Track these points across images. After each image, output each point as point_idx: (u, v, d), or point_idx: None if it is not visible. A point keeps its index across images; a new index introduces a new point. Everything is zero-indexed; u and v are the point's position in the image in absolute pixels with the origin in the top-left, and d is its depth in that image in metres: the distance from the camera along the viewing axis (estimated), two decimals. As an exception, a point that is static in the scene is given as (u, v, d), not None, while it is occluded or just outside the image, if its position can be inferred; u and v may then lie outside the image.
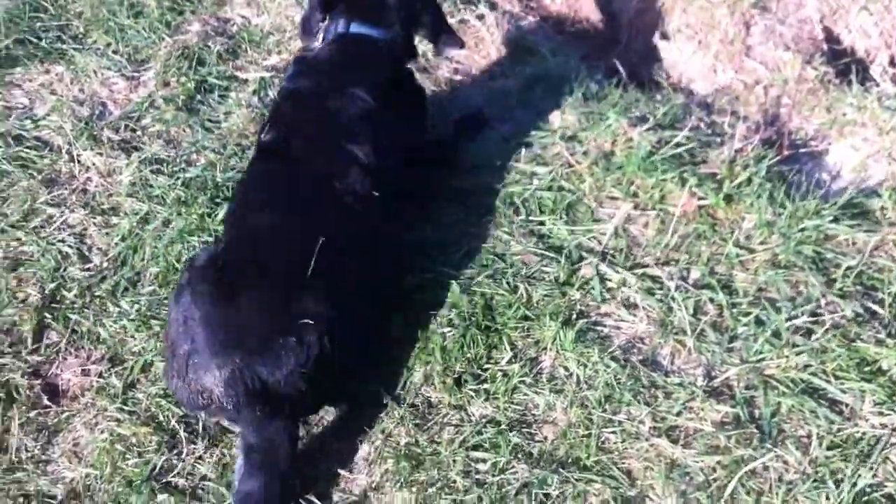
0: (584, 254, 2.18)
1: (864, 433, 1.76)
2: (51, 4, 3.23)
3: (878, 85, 2.70)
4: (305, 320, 1.69)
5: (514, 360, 1.97)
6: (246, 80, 2.88)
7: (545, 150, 2.49)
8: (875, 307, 1.99)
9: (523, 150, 2.49)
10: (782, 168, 2.38)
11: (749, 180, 2.28)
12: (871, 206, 2.25)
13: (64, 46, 3.02)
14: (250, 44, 3.02)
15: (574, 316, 2.03)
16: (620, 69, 2.80)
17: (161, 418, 1.95)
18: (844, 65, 2.84)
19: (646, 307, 2.05)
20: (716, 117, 2.64)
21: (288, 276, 1.76)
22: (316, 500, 1.78)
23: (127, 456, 1.88)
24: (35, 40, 3.05)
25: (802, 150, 2.52)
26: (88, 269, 2.27)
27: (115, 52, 3.00)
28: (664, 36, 3.07)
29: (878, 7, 3.03)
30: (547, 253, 2.18)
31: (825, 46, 2.95)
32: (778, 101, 2.72)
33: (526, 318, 2.03)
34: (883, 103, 2.59)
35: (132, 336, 2.11)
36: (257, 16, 3.19)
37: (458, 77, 2.91)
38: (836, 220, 2.17)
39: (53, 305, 2.19)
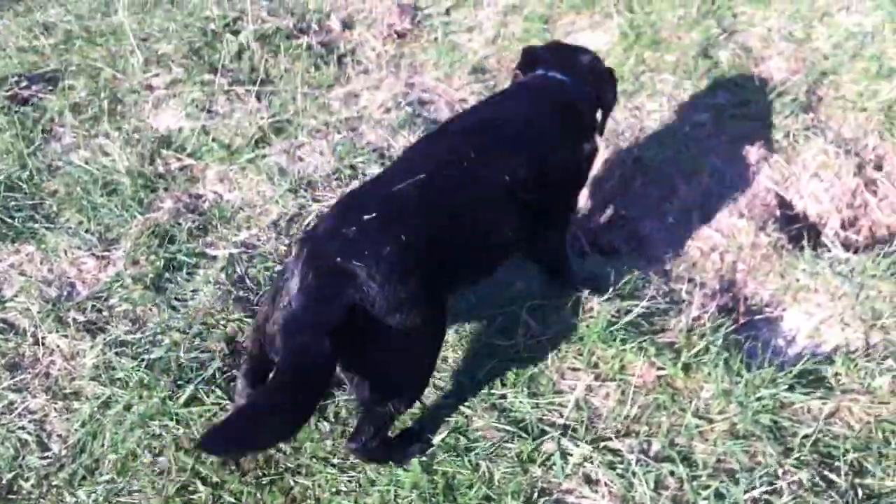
0: (546, 428, 2.28)
1: None
2: (25, 183, 3.42)
3: (829, 250, 2.91)
4: None
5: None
6: (215, 257, 3.03)
7: (509, 322, 2.63)
8: (832, 475, 2.09)
9: (486, 322, 2.64)
10: (739, 336, 2.54)
11: (706, 349, 2.43)
12: (825, 373, 2.39)
13: (36, 226, 3.19)
14: (221, 220, 3.20)
15: (536, 494, 2.11)
16: (581, 239, 3.02)
17: None
18: (797, 230, 3.07)
19: (607, 482, 2.13)
20: (674, 284, 2.82)
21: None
22: None
23: None
24: (8, 220, 3.22)
25: (758, 317, 2.69)
26: (47, 457, 2.34)
27: (86, 230, 3.16)
28: (624, 205, 3.31)
29: (829, 174, 3.31)
30: (509, 427, 2.28)
31: (778, 213, 3.19)
32: (734, 267, 2.92)
33: (488, 498, 2.11)
34: (834, 269, 2.79)
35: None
36: (229, 191, 3.39)
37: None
38: (791, 388, 2.31)
39: (10, 496, 2.25)
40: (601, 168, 3.38)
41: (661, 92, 3.63)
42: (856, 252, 2.91)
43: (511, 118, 2.38)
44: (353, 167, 3.34)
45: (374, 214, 1.98)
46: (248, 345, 2.32)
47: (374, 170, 3.25)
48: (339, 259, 1.89)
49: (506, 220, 2.25)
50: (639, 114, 3.56)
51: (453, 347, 2.55)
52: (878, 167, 3.42)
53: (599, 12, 4.08)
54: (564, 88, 2.50)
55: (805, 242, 2.92)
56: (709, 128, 3.47)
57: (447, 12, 4.35)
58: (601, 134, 2.65)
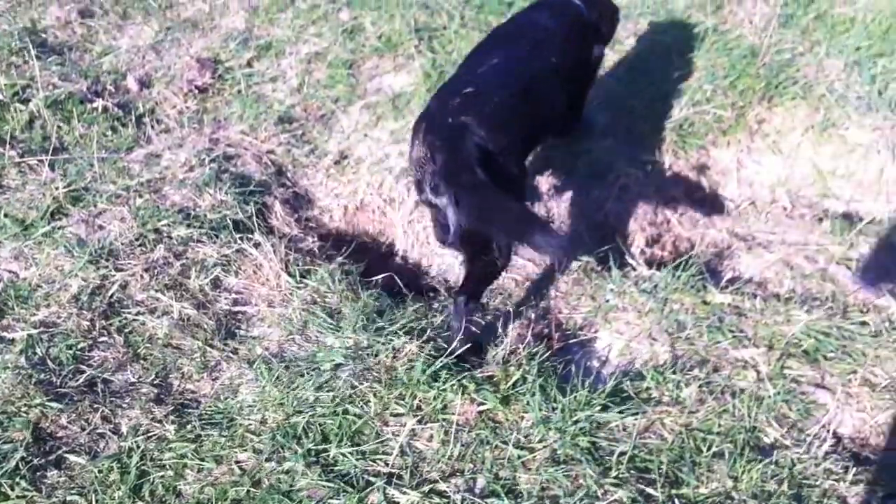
0: (372, 478, 2.29)
1: None
2: None
3: (634, 269, 3.10)
4: None
5: None
6: (13, 340, 2.88)
7: (328, 374, 2.64)
8: (649, 490, 2.22)
9: (306, 376, 2.64)
10: (554, 362, 2.65)
11: (523, 378, 2.53)
12: (637, 389, 2.55)
13: None
14: (17, 300, 3.04)
15: (363, 549, 2.12)
16: (398, 281, 3.08)
17: None
18: (605, 252, 3.25)
19: (435, 527, 2.17)
20: (490, 317, 2.92)
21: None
22: None
23: None
24: None
25: (572, 341, 2.82)
26: None
27: None
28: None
29: (632, 194, 3.53)
30: (332, 484, 2.28)
31: (588, 236, 3.38)
32: (547, 295, 3.06)
33: (314, 559, 2.10)
34: (640, 286, 2.98)
35: None
36: (25, 269, 3.23)
37: (238, 308, 3.05)
38: (605, 408, 2.44)
39: None
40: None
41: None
42: (660, 267, 3.11)
43: (543, 25, 3.07)
44: (157, 230, 3.27)
45: (470, 89, 2.63)
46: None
47: (181, 232, 3.20)
48: (450, 120, 2.50)
49: (553, 94, 2.95)
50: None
51: (273, 407, 2.53)
52: (675, 184, 3.69)
53: (402, 54, 4.21)
54: (578, 10, 3.20)
55: (612, 263, 3.10)
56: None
57: (249, 64, 4.36)
58: (606, 44, 3.49)
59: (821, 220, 3.50)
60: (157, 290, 2.99)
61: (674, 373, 2.61)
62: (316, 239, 3.45)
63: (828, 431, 2.43)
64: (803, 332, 2.75)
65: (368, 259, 3.44)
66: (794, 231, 3.44)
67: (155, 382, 2.69)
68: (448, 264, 3.34)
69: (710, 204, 3.73)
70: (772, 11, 4.35)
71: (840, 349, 2.71)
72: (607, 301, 2.96)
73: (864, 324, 2.83)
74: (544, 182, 3.60)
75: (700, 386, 2.57)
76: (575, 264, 3.15)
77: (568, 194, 3.54)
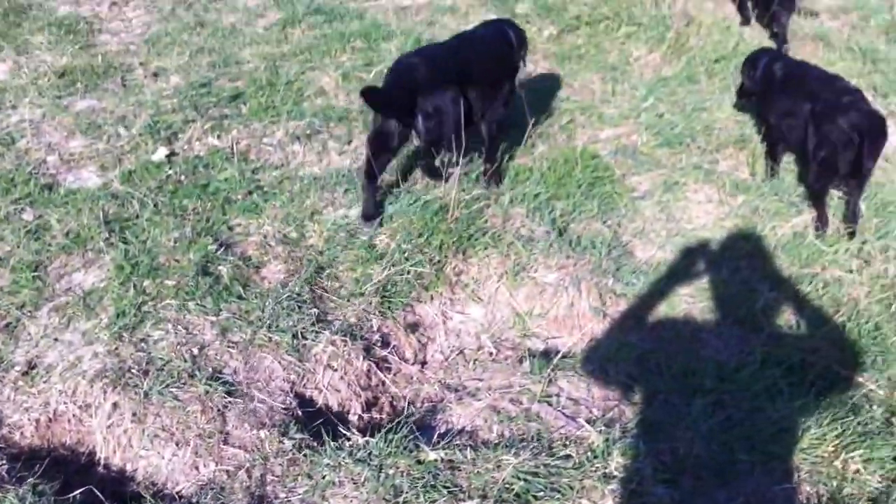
0: None
1: None
2: None
3: (349, 439, 3.17)
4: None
5: None
6: None
7: None
8: None
9: None
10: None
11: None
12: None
13: None
14: None
15: None
16: (99, 495, 2.93)
17: None
18: (320, 425, 3.30)
19: None
20: (204, 518, 2.84)
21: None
22: None
23: None
24: None
25: (289, 529, 2.81)
26: None
27: None
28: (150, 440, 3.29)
29: (341, 362, 3.64)
30: None
31: (300, 412, 3.42)
32: (263, 481, 3.03)
33: None
34: (355, 456, 3.04)
35: None
36: None
37: None
38: None
39: None
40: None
41: (166, 318, 3.74)
42: (378, 431, 3.20)
43: (484, 36, 4.88)
44: None
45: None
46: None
47: None
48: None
49: (487, 81, 4.59)
50: (145, 346, 3.61)
51: None
52: (386, 345, 3.86)
53: (92, 249, 4.14)
54: (506, 32, 4.90)
55: (326, 437, 3.15)
56: (218, 344, 3.64)
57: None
58: (524, 64, 5.14)
59: (521, 360, 3.79)
60: None
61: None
62: (5, 461, 3.22)
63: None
64: (513, 476, 2.92)
65: (65, 474, 3.24)
66: (499, 375, 3.69)
67: None
68: (155, 465, 3.23)
69: (422, 360, 3.93)
70: (457, 169, 4.79)
71: (548, 487, 2.91)
72: (324, 477, 2.99)
73: (567, 457, 3.06)
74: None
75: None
76: (289, 444, 3.16)
77: (278, 378, 3.58)
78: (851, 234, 4.62)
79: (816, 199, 4.78)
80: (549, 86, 6.23)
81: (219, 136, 5.24)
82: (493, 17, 6.77)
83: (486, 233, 4.41)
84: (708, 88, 6.33)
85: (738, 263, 4.44)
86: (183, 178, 4.80)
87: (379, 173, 4.40)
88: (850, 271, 4.37)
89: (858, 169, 4.47)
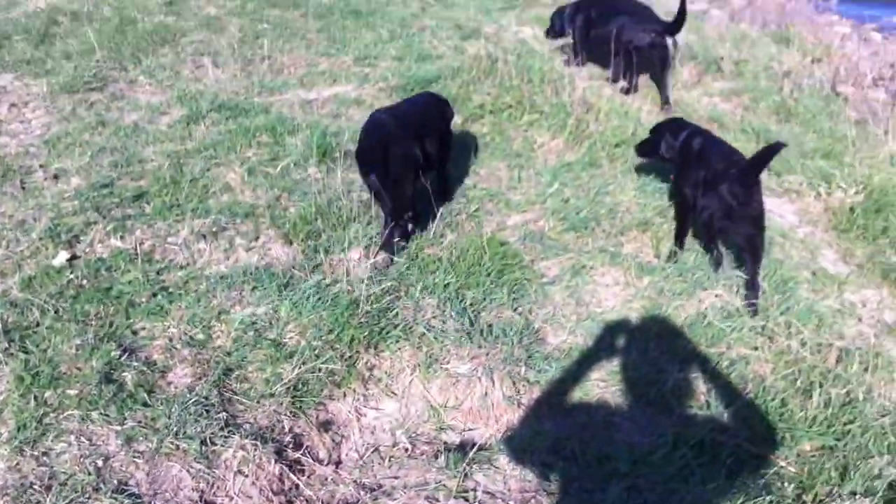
0: None
1: None
2: None
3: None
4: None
5: None
6: None
7: None
8: None
9: None
10: None
11: None
12: None
13: None
14: None
15: None
16: None
17: None
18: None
19: None
20: None
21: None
22: None
23: None
24: None
25: None
26: None
27: None
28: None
29: (252, 467, 3.58)
30: None
31: (210, 523, 3.34)
32: None
33: None
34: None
35: None
36: None
37: None
38: None
39: None
40: None
41: (69, 430, 3.63)
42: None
43: (424, 101, 5.83)
44: None
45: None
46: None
47: None
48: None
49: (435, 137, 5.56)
50: (47, 460, 3.49)
51: None
52: (298, 446, 3.81)
53: (-9, 360, 4.02)
54: (441, 101, 5.97)
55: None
56: (123, 455, 3.55)
57: None
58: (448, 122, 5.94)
59: (437, 455, 3.79)
60: None
61: None
62: None
63: None
64: (431, 577, 2.90)
65: None
66: (414, 472, 3.68)
67: None
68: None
69: (336, 459, 3.89)
70: (366, 262, 4.84)
71: (466, 586, 2.89)
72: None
73: (484, 555, 3.06)
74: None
75: None
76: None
77: (187, 487, 3.49)
78: (754, 312, 4.81)
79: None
80: (456, 174, 6.37)
81: (122, 238, 5.18)
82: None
83: (398, 325, 4.44)
84: (610, 172, 6.56)
85: (647, 345, 4.55)
86: (85, 282, 4.71)
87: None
88: (755, 348, 4.52)
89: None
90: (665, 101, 8.07)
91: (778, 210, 6.49)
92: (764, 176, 6.50)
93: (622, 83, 8.59)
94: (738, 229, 4.87)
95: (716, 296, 4.95)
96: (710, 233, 5.13)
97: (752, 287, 4.90)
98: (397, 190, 5.03)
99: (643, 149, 6.01)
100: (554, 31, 9.41)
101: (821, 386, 4.23)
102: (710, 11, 14.07)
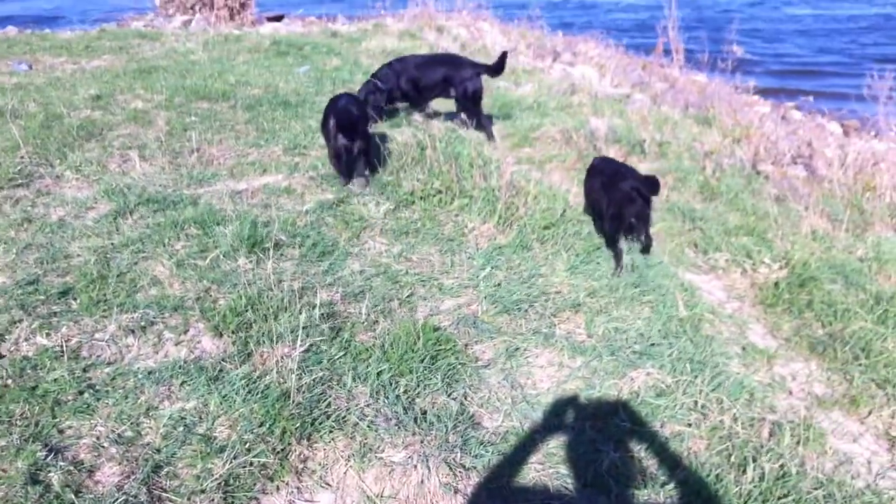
0: None
1: None
2: None
3: None
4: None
5: None
6: None
7: None
8: None
9: None
10: None
11: None
12: None
13: None
14: None
15: None
16: None
17: None
18: None
19: None
20: None
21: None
22: None
23: None
24: None
25: None
26: None
27: None
28: None
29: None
30: None
31: None
32: None
33: None
34: None
35: None
36: None
37: None
38: None
39: None
40: None
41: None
42: None
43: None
44: None
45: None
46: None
47: None
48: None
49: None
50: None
51: None
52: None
53: None
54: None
55: None
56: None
57: None
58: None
59: (372, 548, 3.79)
60: None
61: None
62: None
63: None
64: None
65: None
66: (350, 565, 3.67)
67: None
68: None
69: (270, 556, 3.86)
70: (296, 352, 4.88)
71: None
72: None
73: None
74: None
75: None
76: None
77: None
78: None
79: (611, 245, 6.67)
80: (387, 261, 6.48)
81: (48, 335, 5.13)
82: (329, 196, 7.15)
83: (330, 416, 4.46)
84: (541, 254, 6.74)
85: (583, 425, 4.64)
86: (10, 381, 4.64)
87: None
88: (689, 425, 4.65)
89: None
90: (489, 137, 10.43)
91: (706, 286, 6.72)
92: (691, 253, 6.78)
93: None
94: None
95: (647, 374, 5.08)
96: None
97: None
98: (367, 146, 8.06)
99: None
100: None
101: (754, 460, 4.36)
102: (633, 95, 14.66)
